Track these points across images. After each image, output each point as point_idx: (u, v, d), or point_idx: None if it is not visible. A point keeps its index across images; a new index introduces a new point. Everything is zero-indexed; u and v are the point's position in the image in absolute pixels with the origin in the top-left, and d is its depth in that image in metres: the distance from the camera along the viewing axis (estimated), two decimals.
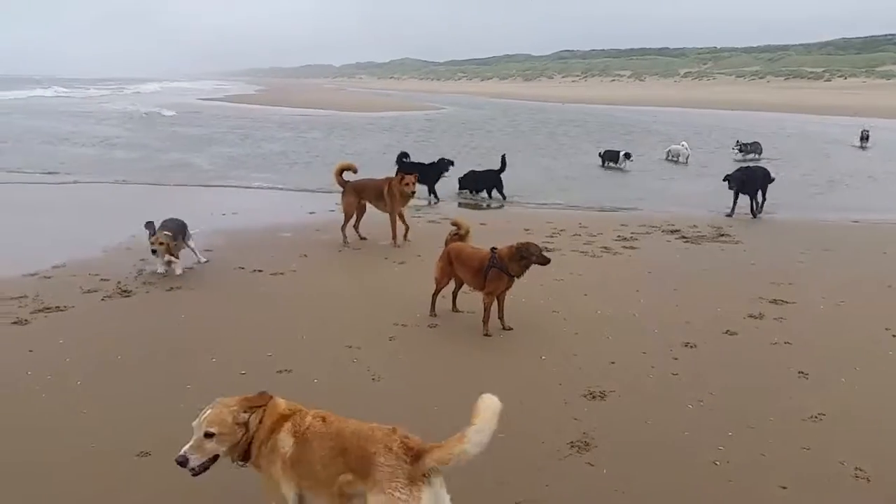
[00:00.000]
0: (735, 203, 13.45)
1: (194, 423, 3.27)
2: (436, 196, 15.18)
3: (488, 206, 14.91)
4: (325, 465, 3.19)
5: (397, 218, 10.41)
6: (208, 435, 3.22)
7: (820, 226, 12.67)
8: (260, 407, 3.35)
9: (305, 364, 5.98)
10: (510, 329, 6.94)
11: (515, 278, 6.74)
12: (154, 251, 8.33)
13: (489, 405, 3.06)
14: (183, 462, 3.21)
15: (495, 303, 6.88)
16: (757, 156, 23.27)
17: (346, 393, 5.49)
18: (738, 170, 13.88)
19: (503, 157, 15.49)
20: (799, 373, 5.89)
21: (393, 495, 2.92)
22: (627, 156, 20.95)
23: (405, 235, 10.50)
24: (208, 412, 3.25)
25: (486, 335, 6.81)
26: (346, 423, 3.34)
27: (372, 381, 5.73)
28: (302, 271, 8.95)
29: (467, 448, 2.96)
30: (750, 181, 13.42)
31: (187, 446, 3.23)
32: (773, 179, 13.74)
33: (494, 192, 15.52)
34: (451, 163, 15.71)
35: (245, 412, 3.29)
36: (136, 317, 7.21)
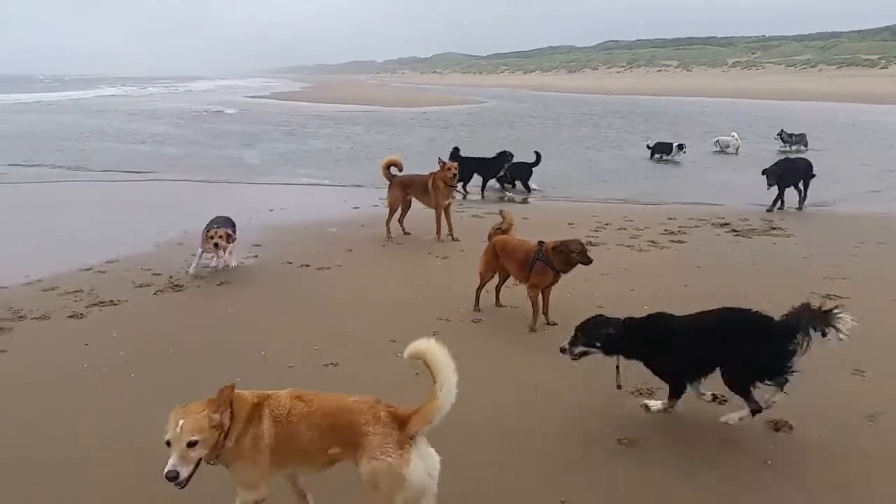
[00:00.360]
0: (778, 198, 12.93)
1: (169, 436, 3.15)
2: (504, 187, 15.37)
3: (524, 201, 14.80)
4: (314, 441, 3.30)
5: (442, 213, 10.42)
6: (191, 444, 3.13)
7: (875, 219, 12.24)
8: (226, 403, 3.28)
9: (351, 358, 6.05)
10: (554, 324, 6.90)
11: (561, 273, 6.72)
12: (216, 245, 8.32)
13: (440, 359, 3.38)
14: (174, 476, 3.10)
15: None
16: (803, 147, 22.60)
17: (389, 387, 5.49)
18: (776, 163, 13.28)
19: (537, 153, 15.60)
20: (854, 370, 5.71)
21: (385, 460, 3.15)
22: (681, 147, 20.56)
23: (451, 234, 10.49)
24: (182, 422, 3.14)
25: (533, 330, 6.79)
26: (328, 398, 3.43)
27: (416, 375, 5.75)
28: (347, 266, 9.05)
29: (440, 405, 3.29)
30: (789, 174, 12.91)
31: (173, 459, 3.11)
32: (814, 175, 13.12)
33: (518, 185, 15.61)
34: (512, 155, 15.62)
35: (216, 413, 3.22)
36: (188, 311, 7.39)
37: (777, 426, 4.81)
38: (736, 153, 21.66)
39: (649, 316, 5.09)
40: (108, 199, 14.29)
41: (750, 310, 4.88)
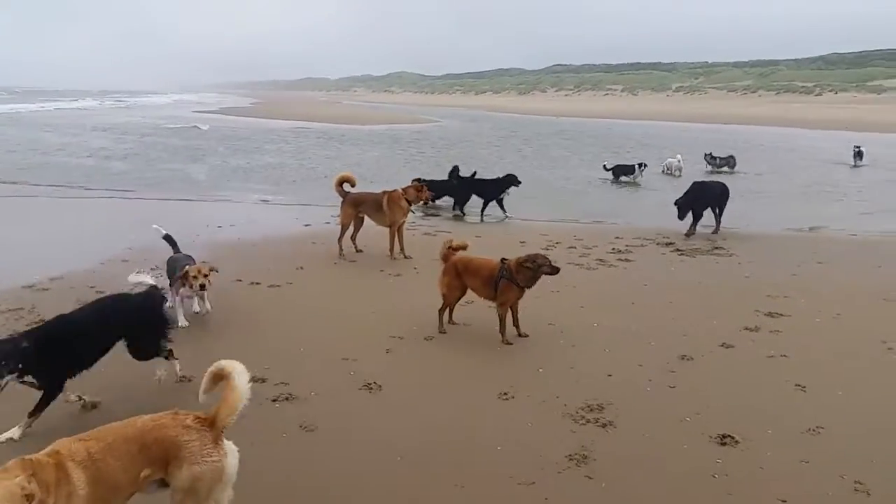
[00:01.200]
0: (695, 223, 12.82)
1: None
2: (503, 210, 15.02)
3: (483, 220, 14.92)
4: (126, 469, 3.20)
5: (396, 232, 10.41)
6: None
7: (813, 239, 12.74)
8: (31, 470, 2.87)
9: (302, 377, 5.95)
10: (526, 336, 7.01)
11: (526, 289, 6.82)
12: (202, 286, 6.96)
13: (221, 364, 3.61)
14: None
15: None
16: (730, 169, 23.40)
17: (342, 405, 5.47)
18: (688, 189, 13.10)
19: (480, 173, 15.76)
20: (796, 385, 5.90)
21: (207, 460, 3.29)
22: (641, 166, 21.10)
23: (402, 251, 10.48)
24: None
25: (508, 343, 6.85)
26: (122, 426, 3.34)
27: (369, 392, 5.72)
28: (298, 284, 8.93)
29: (240, 391, 3.48)
30: (702, 198, 12.86)
31: None
32: (729, 197, 13.19)
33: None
34: (519, 181, 15.17)
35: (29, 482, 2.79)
36: None
37: (723, 440, 4.92)
38: (679, 175, 22.28)
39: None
40: (52, 213, 13.82)
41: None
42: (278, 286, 8.73)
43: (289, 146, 30.70)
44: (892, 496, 4.30)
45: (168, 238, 8.03)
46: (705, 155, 24.18)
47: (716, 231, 12.97)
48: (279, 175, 20.92)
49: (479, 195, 15.18)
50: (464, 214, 15.15)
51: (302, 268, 9.67)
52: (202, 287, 6.98)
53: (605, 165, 21.70)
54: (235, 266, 9.53)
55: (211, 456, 3.31)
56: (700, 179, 14.66)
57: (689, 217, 12.83)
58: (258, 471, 4.52)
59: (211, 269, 7.12)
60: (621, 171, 21.13)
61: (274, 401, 5.51)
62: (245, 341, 6.80)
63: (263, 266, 9.61)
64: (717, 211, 13.14)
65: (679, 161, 22.87)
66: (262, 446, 4.80)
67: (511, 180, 15.07)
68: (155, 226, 8.14)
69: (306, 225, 12.97)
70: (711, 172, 22.56)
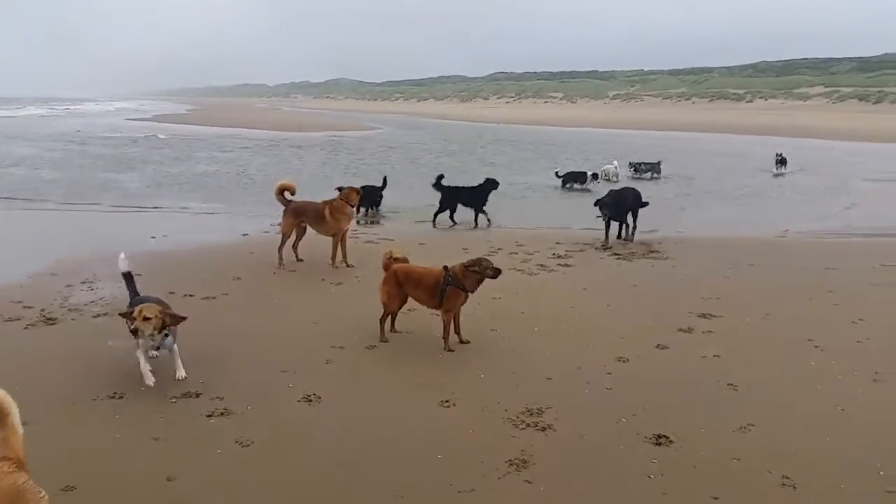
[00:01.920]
0: (608, 229, 12.55)
1: None
2: (487, 219, 14.87)
3: (427, 228, 14.92)
4: None
5: (338, 241, 10.29)
6: None
7: (744, 241, 13.18)
8: None
9: (238, 391, 5.81)
10: (468, 342, 7.02)
11: (470, 293, 6.87)
12: (135, 332, 5.67)
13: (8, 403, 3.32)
14: None
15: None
16: (655, 175, 23.96)
17: (280, 418, 5.36)
18: (608, 195, 12.78)
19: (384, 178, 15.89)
20: (728, 384, 6.07)
21: (43, 498, 3.17)
22: (595, 176, 21.44)
23: (345, 260, 10.35)
24: None
25: (450, 350, 6.84)
26: None
27: (308, 404, 5.62)
28: (235, 295, 8.73)
29: (18, 431, 3.29)
30: (619, 205, 12.61)
31: None
32: (645, 204, 13.02)
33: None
34: (497, 183, 15.14)
35: None
36: (62, 346, 6.85)
37: (658, 440, 5.03)
38: (617, 180, 22.76)
39: None
40: None
41: None
42: (213, 298, 8.51)
43: (226, 154, 30.11)
44: (816, 489, 4.46)
45: (127, 277, 6.56)
46: (630, 163, 24.65)
47: (630, 238, 12.73)
48: (215, 183, 20.50)
49: (464, 204, 15.01)
50: (454, 223, 14.90)
51: (239, 278, 9.46)
52: (135, 333, 5.65)
53: (556, 173, 21.92)
54: (168, 278, 9.26)
55: (41, 493, 3.17)
56: (624, 185, 14.81)
57: (617, 224, 12.66)
58: (193, 489, 4.39)
59: (161, 312, 5.63)
60: (573, 178, 21.40)
61: (209, 416, 5.36)
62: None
63: (198, 277, 9.36)
64: (633, 217, 12.90)
65: (616, 167, 23.40)
66: (196, 463, 4.67)
67: (490, 185, 14.97)
68: (122, 255, 6.61)
69: (244, 234, 12.71)
70: (635, 179, 23.04)
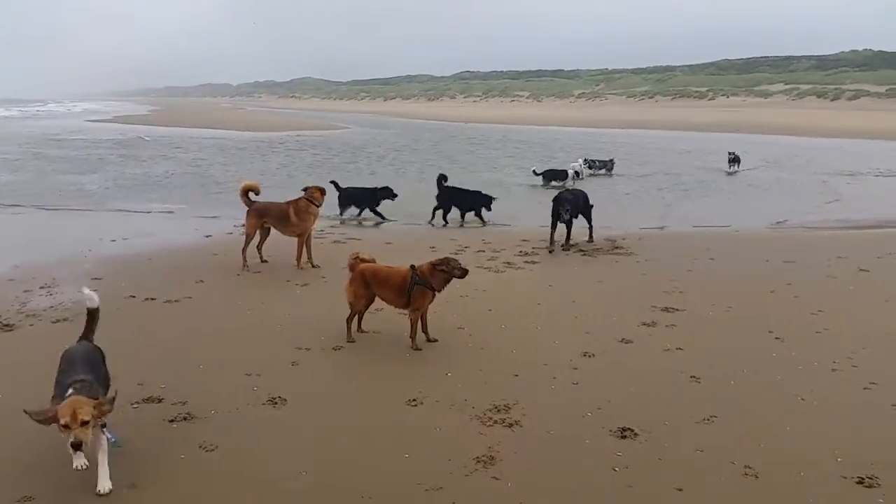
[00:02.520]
0: (554, 230, 11.87)
1: None
2: (482, 220, 14.91)
3: (394, 227, 14.89)
4: None
5: (304, 241, 10.19)
6: None
7: (705, 236, 13.40)
8: None
9: (202, 395, 5.71)
10: (436, 341, 7.01)
11: (437, 293, 6.88)
12: (77, 445, 4.14)
13: None
14: None
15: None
16: (608, 172, 24.20)
17: (244, 422, 5.29)
18: (567, 192, 12.36)
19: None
20: (691, 377, 6.16)
21: None
22: (578, 174, 21.65)
23: (310, 261, 10.24)
24: None
25: (417, 349, 6.83)
26: None
27: (274, 407, 5.56)
28: (198, 297, 8.59)
29: None
30: (575, 206, 11.92)
31: None
32: (592, 205, 12.54)
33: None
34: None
35: None
36: (20, 354, 6.66)
37: (623, 434, 5.08)
38: (582, 178, 22.95)
39: None
40: None
41: None
42: (176, 301, 8.36)
43: (188, 154, 29.67)
44: (777, 478, 4.55)
45: (91, 315, 5.28)
46: (584, 159, 24.57)
47: (567, 241, 11.94)
48: (177, 184, 20.20)
49: (457, 207, 15.02)
50: (445, 223, 14.87)
51: (202, 281, 9.31)
52: (77, 447, 4.13)
53: (534, 171, 21.94)
54: (129, 282, 9.10)
55: None
56: (600, 183, 14.98)
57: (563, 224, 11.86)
58: (155, 496, 4.31)
59: (98, 404, 4.19)
60: (553, 176, 21.53)
61: (171, 421, 5.26)
62: (139, 360, 6.45)
63: (160, 280, 9.20)
64: (586, 219, 12.37)
65: (580, 165, 23.60)
66: (158, 469, 4.58)
67: (484, 198, 15.02)
68: (87, 291, 5.34)
69: (207, 236, 12.51)
70: (588, 176, 23.10)
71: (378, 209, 15.35)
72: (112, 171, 22.94)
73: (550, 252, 11.60)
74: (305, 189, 10.53)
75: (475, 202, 14.98)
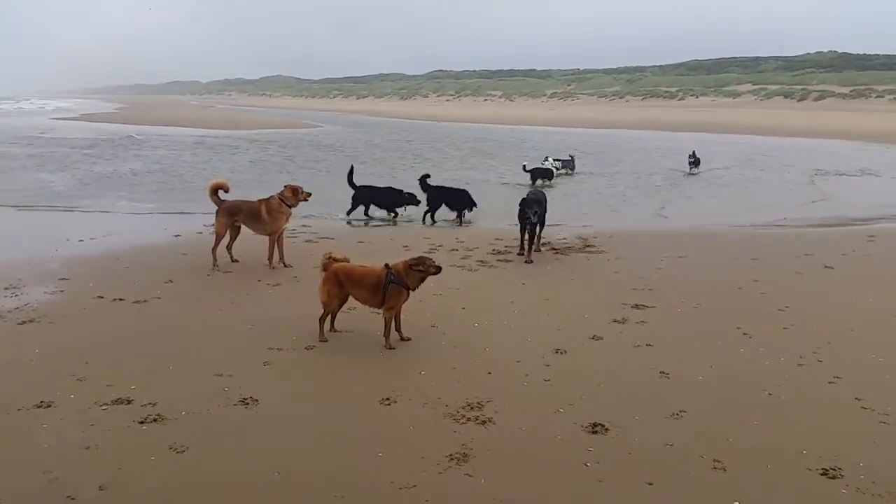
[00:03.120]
0: (539, 238, 11.38)
1: None
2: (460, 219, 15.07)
3: (366, 225, 14.85)
4: None
5: (276, 240, 10.09)
6: None
7: (674, 234, 13.59)
8: None
9: (172, 396, 5.64)
10: (409, 339, 7.02)
11: (412, 291, 6.90)
12: None
13: None
14: None
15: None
16: (570, 171, 24.25)
17: (215, 423, 5.24)
18: (533, 194, 11.78)
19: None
20: (660, 373, 6.25)
21: None
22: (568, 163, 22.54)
23: (282, 260, 10.15)
24: None
25: (391, 348, 6.83)
26: None
27: (245, 408, 5.51)
28: (168, 298, 8.48)
29: None
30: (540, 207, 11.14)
31: None
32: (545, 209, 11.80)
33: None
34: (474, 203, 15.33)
35: None
36: None
37: (594, 429, 5.14)
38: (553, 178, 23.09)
39: None
40: None
41: None
42: (145, 301, 8.25)
43: (157, 152, 29.25)
44: (745, 471, 4.64)
45: None
46: (545, 157, 24.42)
47: (538, 242, 11.44)
48: (145, 182, 19.93)
49: (448, 205, 15.17)
50: (434, 222, 14.97)
51: (171, 281, 9.18)
52: None
53: (525, 167, 22.02)
54: (98, 282, 8.95)
55: None
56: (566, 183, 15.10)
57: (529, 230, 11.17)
58: (126, 498, 4.26)
59: None
60: (540, 175, 21.64)
61: (141, 423, 5.19)
62: (108, 362, 6.35)
63: (129, 280, 9.06)
64: (536, 221, 11.21)
65: (551, 163, 23.70)
66: (128, 472, 4.52)
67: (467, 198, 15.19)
68: None
69: (176, 235, 12.34)
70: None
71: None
72: (79, 170, 22.53)
73: (525, 259, 10.89)
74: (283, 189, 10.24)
75: (465, 201, 15.13)
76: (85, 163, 24.81)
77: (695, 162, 24.95)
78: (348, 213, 15.25)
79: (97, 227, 12.87)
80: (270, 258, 10.10)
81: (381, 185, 16.17)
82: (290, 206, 10.17)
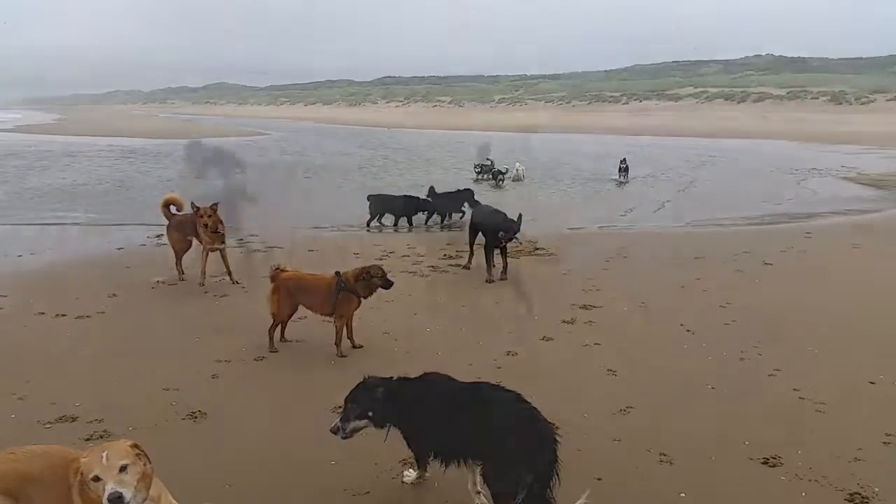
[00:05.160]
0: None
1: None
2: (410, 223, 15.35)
3: (317, 234, 14.73)
4: None
5: (208, 255, 9.59)
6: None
7: (619, 236, 13.90)
8: None
9: (119, 411, 5.51)
10: (361, 346, 7.03)
11: (363, 299, 6.89)
12: None
13: None
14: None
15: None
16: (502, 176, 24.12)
17: (164, 438, 5.13)
18: (483, 211, 11.51)
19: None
20: (608, 371, 6.40)
21: None
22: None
23: (230, 276, 9.70)
24: None
25: (342, 356, 6.81)
26: None
27: (194, 422, 5.42)
28: (112, 312, 8.26)
29: None
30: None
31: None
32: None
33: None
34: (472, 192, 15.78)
35: None
36: None
37: None
38: (502, 182, 23.26)
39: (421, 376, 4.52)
40: None
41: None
42: (88, 317, 8.02)
43: (98, 164, 28.42)
44: (690, 463, 4.80)
45: None
46: (475, 164, 24.58)
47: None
48: (86, 194, 19.36)
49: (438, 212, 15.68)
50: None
51: (115, 295, 8.95)
52: None
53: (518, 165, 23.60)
54: (39, 298, 8.67)
55: None
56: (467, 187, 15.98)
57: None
58: None
59: None
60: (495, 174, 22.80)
61: (87, 440, 5.05)
62: (51, 379, 6.17)
63: (71, 295, 8.78)
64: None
65: (518, 169, 23.83)
66: None
67: (466, 195, 15.56)
68: None
69: (119, 248, 12.01)
70: (476, 182, 22.92)
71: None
72: (14, 183, 21.71)
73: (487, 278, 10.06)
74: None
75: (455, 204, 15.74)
76: (20, 175, 23.92)
77: (624, 169, 23.97)
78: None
79: (36, 241, 12.46)
80: (203, 271, 9.58)
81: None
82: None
